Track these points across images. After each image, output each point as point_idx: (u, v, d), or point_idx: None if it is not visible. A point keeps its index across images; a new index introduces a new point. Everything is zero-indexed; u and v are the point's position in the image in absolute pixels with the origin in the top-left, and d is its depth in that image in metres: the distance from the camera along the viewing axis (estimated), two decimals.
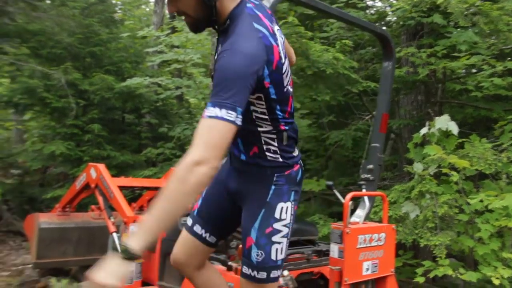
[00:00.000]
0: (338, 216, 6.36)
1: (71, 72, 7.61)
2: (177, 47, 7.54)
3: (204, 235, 2.22)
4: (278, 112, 1.91)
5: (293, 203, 2.03)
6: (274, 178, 1.99)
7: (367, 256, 3.00)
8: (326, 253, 3.50)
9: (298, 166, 2.08)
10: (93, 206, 5.74)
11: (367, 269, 3.00)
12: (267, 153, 1.97)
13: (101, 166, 4.63)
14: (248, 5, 1.85)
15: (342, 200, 3.05)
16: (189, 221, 2.26)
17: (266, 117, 1.90)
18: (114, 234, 4.29)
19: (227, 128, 1.59)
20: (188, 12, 1.84)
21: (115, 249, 1.59)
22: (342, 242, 2.89)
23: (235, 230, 2.33)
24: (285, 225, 1.99)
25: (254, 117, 1.90)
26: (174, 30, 8.75)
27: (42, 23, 8.06)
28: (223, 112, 1.58)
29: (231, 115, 1.59)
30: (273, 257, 1.97)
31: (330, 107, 7.57)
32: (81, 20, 8.46)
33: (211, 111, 1.59)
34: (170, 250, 4.15)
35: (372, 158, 3.75)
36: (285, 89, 1.91)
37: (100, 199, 4.56)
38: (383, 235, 3.12)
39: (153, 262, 4.23)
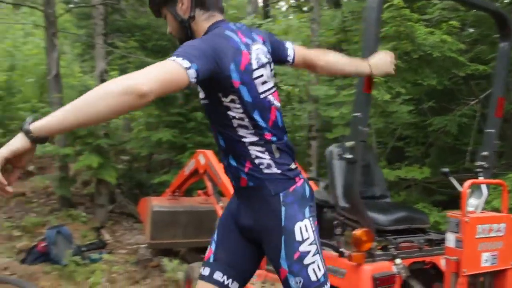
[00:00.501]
0: (442, 205, 6.16)
1: None
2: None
3: (226, 281, 2.05)
4: (259, 118, 1.86)
5: (310, 219, 1.94)
6: (281, 199, 1.90)
7: (486, 247, 2.88)
8: (437, 243, 3.42)
9: (302, 180, 1.97)
10: (199, 191, 6.04)
11: (486, 260, 2.89)
12: (261, 167, 1.89)
13: (209, 153, 4.84)
14: (229, 24, 1.92)
15: (460, 188, 2.95)
16: (206, 271, 2.09)
17: (247, 123, 1.85)
18: None
19: (176, 71, 1.54)
20: (174, 33, 1.98)
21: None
22: (460, 231, 2.81)
23: (256, 270, 2.19)
24: (311, 244, 1.90)
25: (236, 125, 1.86)
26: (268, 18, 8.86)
27: (148, 17, 8.52)
28: (178, 59, 1.56)
29: (186, 64, 1.56)
30: (313, 278, 1.89)
31: (430, 93, 7.28)
32: None
33: (169, 58, 1.59)
34: None
35: (487, 144, 3.58)
36: (262, 96, 1.88)
37: (208, 184, 4.77)
38: (503, 225, 2.97)
39: None
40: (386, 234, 3.33)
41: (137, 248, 6.81)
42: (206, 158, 4.79)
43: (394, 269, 3.03)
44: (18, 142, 1.45)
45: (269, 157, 1.89)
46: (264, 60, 1.93)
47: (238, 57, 1.79)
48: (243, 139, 1.87)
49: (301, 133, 9.29)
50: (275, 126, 1.92)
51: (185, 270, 4.91)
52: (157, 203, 5.56)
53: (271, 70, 1.99)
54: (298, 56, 2.18)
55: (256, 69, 1.87)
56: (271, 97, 1.92)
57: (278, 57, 2.09)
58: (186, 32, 1.95)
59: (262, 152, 1.88)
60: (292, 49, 2.15)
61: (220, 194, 4.71)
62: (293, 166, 1.97)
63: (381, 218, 3.38)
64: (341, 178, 3.67)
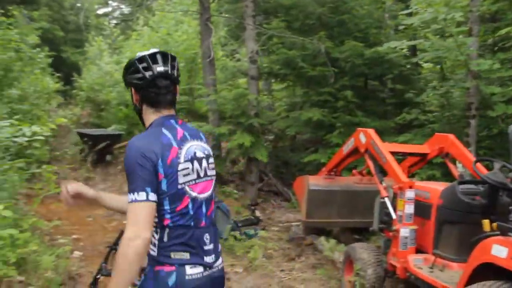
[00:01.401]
0: None
1: (324, 41, 7.90)
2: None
3: None
4: (166, 207, 2.08)
5: None
6: (147, 268, 2.12)
7: None
8: None
9: (174, 268, 2.08)
10: (354, 171, 5.92)
11: None
12: (150, 245, 2.09)
13: (371, 131, 4.68)
14: (171, 120, 2.20)
15: None
16: None
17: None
18: (386, 199, 4.32)
19: (142, 206, 1.97)
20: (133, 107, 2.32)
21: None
22: None
23: None
24: None
25: None
26: None
27: None
28: (135, 195, 1.97)
29: (142, 196, 1.97)
30: None
31: None
32: None
33: (129, 197, 1.98)
34: (446, 218, 4.04)
35: None
36: (180, 187, 2.10)
37: (370, 163, 4.62)
38: None
39: (427, 230, 4.15)
40: None
41: (288, 226, 6.92)
42: (368, 136, 4.63)
43: None
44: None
45: (157, 238, 2.12)
46: (200, 154, 2.22)
47: (166, 152, 2.09)
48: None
49: (453, 111, 8.67)
50: (182, 215, 2.12)
51: (344, 250, 4.85)
52: (314, 181, 5.55)
53: (209, 164, 2.25)
54: None
55: (183, 162, 2.13)
56: (188, 188, 2.14)
57: None
58: (139, 114, 2.31)
59: (156, 232, 2.12)
60: None
61: (383, 173, 4.54)
62: (178, 256, 2.12)
63: None
64: None
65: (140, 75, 2.16)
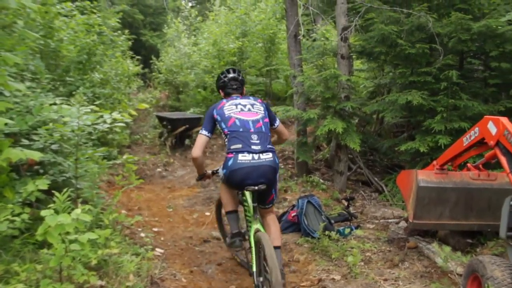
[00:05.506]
0: None
1: (426, 14, 6.95)
2: None
3: None
4: (223, 126, 4.06)
5: (224, 171, 3.96)
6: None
7: None
8: None
9: (231, 155, 3.87)
10: (469, 165, 5.08)
11: None
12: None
13: (504, 120, 3.84)
14: (233, 97, 4.36)
15: None
16: None
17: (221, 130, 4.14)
18: None
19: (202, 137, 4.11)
20: None
21: None
22: None
23: None
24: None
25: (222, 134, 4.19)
26: None
27: None
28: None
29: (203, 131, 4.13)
30: None
31: None
32: None
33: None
34: None
35: None
36: (227, 115, 4.05)
37: (502, 159, 3.80)
38: None
39: None
40: None
41: (385, 223, 6.17)
42: (500, 126, 3.80)
43: None
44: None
45: (225, 142, 4.07)
46: (244, 103, 4.18)
47: (217, 105, 4.20)
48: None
49: None
50: (229, 129, 4.00)
51: (466, 263, 4.07)
52: (424, 177, 4.76)
53: (253, 106, 4.18)
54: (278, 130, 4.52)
55: (227, 105, 4.15)
56: (232, 114, 4.05)
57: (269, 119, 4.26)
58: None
59: (225, 140, 4.10)
60: (278, 123, 4.45)
61: None
62: (232, 147, 3.92)
63: None
64: None
65: (221, 80, 4.46)
